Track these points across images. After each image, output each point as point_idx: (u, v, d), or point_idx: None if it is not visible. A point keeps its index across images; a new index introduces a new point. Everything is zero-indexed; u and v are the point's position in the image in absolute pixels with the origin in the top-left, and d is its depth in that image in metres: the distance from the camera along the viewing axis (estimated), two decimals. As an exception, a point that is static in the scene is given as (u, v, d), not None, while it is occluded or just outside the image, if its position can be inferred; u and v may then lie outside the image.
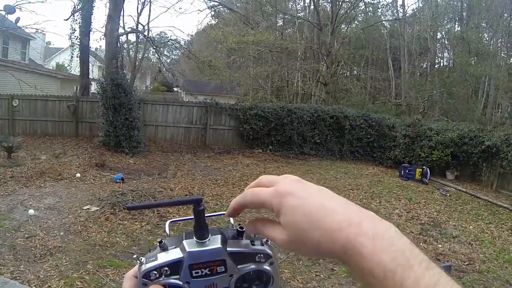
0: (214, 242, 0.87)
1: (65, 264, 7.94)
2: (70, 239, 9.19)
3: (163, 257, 0.87)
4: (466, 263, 9.46)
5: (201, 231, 0.88)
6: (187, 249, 0.86)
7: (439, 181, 18.81)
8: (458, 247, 10.51)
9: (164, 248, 0.89)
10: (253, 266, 0.89)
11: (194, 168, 17.79)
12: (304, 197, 0.78)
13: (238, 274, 0.89)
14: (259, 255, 0.90)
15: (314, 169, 19.31)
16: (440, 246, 10.50)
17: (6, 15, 29.78)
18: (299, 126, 22.19)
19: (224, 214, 1.01)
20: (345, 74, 45.37)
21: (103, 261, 8.16)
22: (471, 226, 12.41)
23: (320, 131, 22.41)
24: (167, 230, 1.09)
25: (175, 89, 58.35)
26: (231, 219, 1.04)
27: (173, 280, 0.86)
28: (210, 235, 0.89)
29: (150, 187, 13.36)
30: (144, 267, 0.86)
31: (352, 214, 0.75)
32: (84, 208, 11.29)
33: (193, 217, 0.92)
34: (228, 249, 0.87)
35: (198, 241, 0.87)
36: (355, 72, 45.79)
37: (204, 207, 0.89)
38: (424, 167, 18.72)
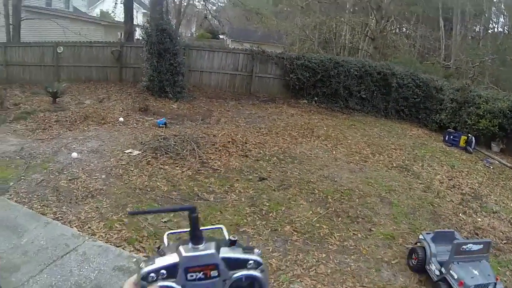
0: (208, 248, 0.97)
1: (105, 206, 8.10)
2: (111, 182, 9.33)
3: (161, 261, 0.96)
4: (504, 241, 9.24)
5: (196, 236, 0.98)
6: (183, 253, 0.95)
7: (483, 151, 18.22)
8: (498, 223, 10.25)
9: (162, 254, 0.98)
10: (244, 273, 0.97)
11: (238, 115, 17.71)
12: None
13: (231, 280, 0.96)
14: (250, 262, 0.98)
15: (358, 124, 18.96)
16: (479, 220, 10.26)
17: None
18: (345, 80, 21.72)
19: (220, 227, 1.17)
20: (394, 31, 44.32)
21: (143, 204, 8.32)
22: (512, 204, 12.07)
23: (366, 87, 21.91)
24: (165, 240, 1.23)
25: (220, 36, 58.08)
26: (224, 231, 1.18)
27: (169, 283, 0.93)
28: (205, 242, 0.98)
29: (193, 132, 13.35)
30: (143, 270, 0.95)
31: None
32: (126, 151, 11.41)
33: (189, 229, 1.01)
34: (221, 255, 0.96)
35: (194, 246, 0.97)
36: (405, 29, 44.82)
37: (197, 214, 1.00)
38: (469, 135, 18.05)
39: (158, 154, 11.05)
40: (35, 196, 8.33)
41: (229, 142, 12.64)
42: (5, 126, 14.14)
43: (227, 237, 1.06)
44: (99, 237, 6.99)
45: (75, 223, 7.34)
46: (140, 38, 22.86)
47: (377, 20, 32.83)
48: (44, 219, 7.37)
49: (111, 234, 7.13)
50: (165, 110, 17.63)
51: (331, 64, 21.68)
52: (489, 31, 46.00)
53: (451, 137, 18.27)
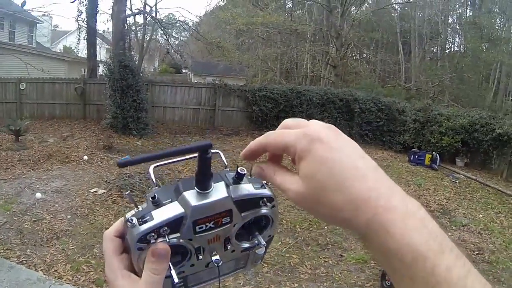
0: (219, 191, 0.79)
1: (71, 248, 7.98)
2: (77, 222, 9.23)
3: (161, 215, 0.75)
4: (475, 252, 9.41)
5: (206, 181, 0.77)
6: (192, 203, 0.76)
7: (448, 167, 18.61)
8: (468, 236, 10.45)
9: (158, 204, 0.77)
10: (255, 212, 0.83)
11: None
12: (336, 148, 0.67)
13: (241, 223, 0.83)
14: (263, 199, 0.83)
15: (323, 152, 19.00)
16: (449, 234, 10.21)
17: (12, -1, 29.76)
18: (308, 109, 22.03)
19: (217, 152, 0.91)
20: (355, 57, 45.10)
21: (110, 244, 8.10)
22: (480, 215, 12.30)
23: (329, 114, 22.17)
24: (152, 177, 0.90)
25: (183, 70, 58.18)
26: (222, 156, 0.93)
27: (176, 240, 0.77)
28: (212, 183, 0.79)
29: (158, 169, 13.17)
30: (139, 230, 0.74)
31: (382, 184, 0.66)
32: (91, 191, 11.30)
33: (179, 159, 0.89)
34: (233, 196, 0.79)
35: (201, 192, 0.77)
36: (365, 55, 45.56)
37: (211, 154, 0.77)
38: (434, 153, 18.55)
39: (124, 192, 10.85)
40: (-2, 239, 8.20)
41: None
42: (-35, 165, 13.91)
43: (226, 164, 0.94)
44: (66, 280, 6.85)
45: (40, 267, 7.20)
46: (103, 74, 22.85)
47: (337, 47, 33.50)
48: (7, 263, 7.22)
49: (79, 277, 7.00)
50: (129, 147, 17.56)
51: (293, 94, 22.03)
52: (446, 51, 47.68)
53: (416, 156, 18.71)
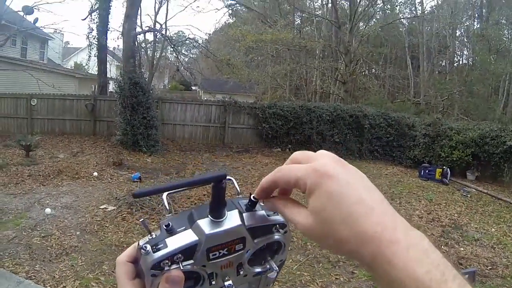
0: (233, 219, 0.80)
1: (80, 264, 7.90)
2: (86, 238, 9.17)
3: (175, 243, 0.76)
4: (489, 267, 9.24)
5: (219, 209, 0.79)
6: (205, 232, 0.77)
7: (459, 181, 18.47)
8: (480, 250, 10.26)
9: (171, 232, 0.78)
10: (268, 238, 0.84)
11: (212, 167, 17.69)
12: (344, 183, 0.69)
13: (254, 249, 0.84)
14: (275, 226, 0.84)
15: (333, 168, 18.97)
16: (462, 249, 10.28)
17: (24, 16, 30.23)
18: (318, 125, 22.02)
19: (230, 179, 0.88)
20: (364, 73, 45.17)
21: (119, 261, 8.05)
22: (493, 229, 12.13)
23: (339, 130, 22.19)
24: (166, 204, 0.91)
25: (193, 87, 58.45)
26: (235, 183, 0.93)
27: (190, 267, 0.77)
28: (226, 210, 0.80)
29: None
30: (153, 257, 0.75)
31: (387, 217, 0.68)
32: (101, 207, 11.27)
33: (189, 187, 0.86)
34: (246, 224, 0.81)
35: (215, 220, 0.78)
36: (374, 70, 45.65)
37: (226, 184, 0.79)
38: (444, 167, 18.38)
39: (134, 210, 10.91)
40: (7, 254, 8.15)
41: (204, 195, 12.55)
42: (-25, 179, 14.00)
43: (239, 191, 0.94)
44: (74, 296, 6.84)
45: (49, 283, 7.14)
46: (114, 91, 22.98)
47: (346, 63, 33.51)
48: (16, 278, 7.20)
49: (87, 293, 6.96)
50: (139, 164, 17.57)
51: (303, 110, 22.00)
52: (455, 65, 47.70)
53: (426, 171, 18.52)
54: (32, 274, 7.39)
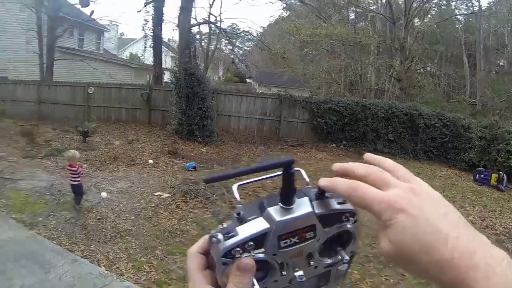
0: (303, 207, 0.78)
1: (134, 247, 8.04)
2: (141, 223, 9.32)
3: (246, 231, 0.76)
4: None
5: (289, 196, 0.78)
6: (276, 219, 0.76)
7: (516, 189, 17.87)
8: (537, 264, 9.95)
9: (242, 220, 0.78)
10: (338, 227, 0.82)
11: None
12: (417, 216, 0.70)
13: (324, 238, 0.81)
14: (345, 214, 0.82)
15: (387, 167, 18.74)
16: None
17: (81, 8, 30.97)
18: (373, 122, 21.77)
19: (298, 170, 0.88)
20: (419, 70, 44.38)
21: (172, 247, 8.20)
22: (552, 243, 11.72)
23: (394, 128, 21.89)
24: (236, 195, 0.88)
25: (247, 80, 58.58)
26: (304, 174, 0.91)
27: (261, 255, 0.76)
28: (296, 198, 0.79)
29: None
30: (224, 245, 0.74)
31: (464, 242, 0.67)
32: (156, 194, 11.43)
33: (262, 178, 0.89)
34: (316, 211, 0.79)
35: (286, 207, 0.77)
36: (429, 68, 44.86)
37: (294, 170, 0.79)
38: (500, 172, 17.69)
39: (188, 198, 11.03)
40: (64, 232, 8.40)
41: (258, 187, 12.61)
42: (36, 162, 14.52)
43: (308, 181, 0.91)
44: (127, 278, 6.91)
45: (103, 262, 7.30)
46: (169, 81, 23.21)
47: (401, 60, 33.01)
48: (72, 256, 7.39)
49: (140, 276, 7.04)
50: (194, 154, 17.73)
51: (359, 107, 21.82)
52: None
53: (482, 175, 17.94)
54: (87, 254, 7.57)
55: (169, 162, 15.61)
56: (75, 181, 9.94)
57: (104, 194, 10.90)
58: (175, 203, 10.78)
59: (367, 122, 21.75)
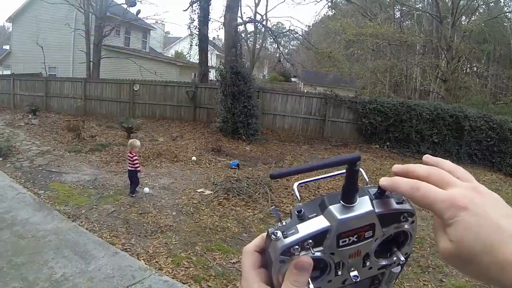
0: (364, 205, 0.78)
1: (174, 243, 8.11)
2: (182, 219, 9.40)
3: (306, 228, 0.75)
4: None
5: (352, 194, 0.77)
6: (338, 217, 0.75)
7: None
8: None
9: (302, 218, 0.77)
10: (396, 227, 0.81)
11: (310, 159, 17.50)
12: (480, 214, 0.69)
13: (382, 238, 0.80)
14: (404, 214, 0.80)
15: (430, 170, 18.51)
16: None
17: (128, 8, 31.45)
18: (417, 124, 21.45)
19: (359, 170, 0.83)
20: (465, 71, 43.60)
21: (212, 244, 8.22)
22: None
23: (438, 130, 21.51)
24: (297, 193, 0.87)
25: (292, 79, 58.58)
26: (364, 174, 0.87)
27: (317, 253, 0.75)
28: (357, 196, 0.78)
29: (266, 175, 13.13)
30: (283, 242, 0.74)
31: None
32: (198, 191, 11.50)
33: (322, 176, 0.89)
34: (376, 210, 0.78)
35: (347, 205, 0.77)
36: (476, 68, 44.05)
37: (359, 167, 0.78)
38: (547, 178, 17.37)
39: (230, 195, 11.04)
40: (105, 225, 8.56)
41: (301, 186, 12.53)
42: (81, 156, 14.91)
43: (367, 181, 0.89)
44: (165, 272, 6.97)
45: (142, 256, 7.41)
46: (215, 79, 23.36)
47: (447, 60, 32.50)
48: (112, 249, 7.51)
49: (178, 271, 7.10)
50: (238, 152, 17.80)
51: (403, 108, 21.51)
52: None
53: (528, 181, 17.51)
54: (127, 247, 7.69)
55: (213, 160, 15.68)
56: (132, 167, 10.41)
57: (146, 189, 11.03)
58: (217, 200, 10.81)
59: (411, 124, 21.44)
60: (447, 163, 0.82)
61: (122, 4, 32.04)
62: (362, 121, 21.95)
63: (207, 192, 11.40)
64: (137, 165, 10.48)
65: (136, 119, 19.82)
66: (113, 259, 7.15)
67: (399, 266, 0.86)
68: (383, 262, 0.84)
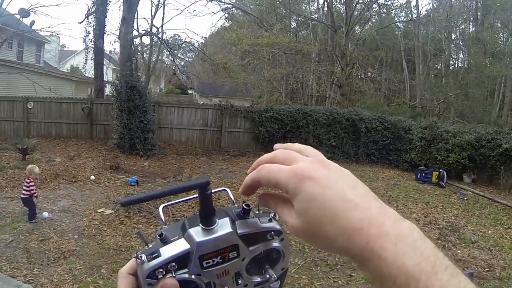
0: (224, 227, 0.80)
1: (79, 268, 7.91)
2: (84, 242, 9.18)
3: (168, 252, 0.77)
4: (486, 269, 9.26)
5: (208, 217, 0.79)
6: (196, 239, 0.77)
7: (456, 184, 18.55)
8: (478, 252, 10.29)
9: (165, 241, 0.79)
10: (264, 246, 0.83)
11: (209, 171, 17.71)
12: (325, 184, 0.69)
13: (250, 257, 0.82)
14: (270, 233, 0.83)
15: (329, 172, 18.99)
16: (459, 251, 10.31)
17: (21, 19, 30.33)
18: (314, 129, 22.05)
19: (225, 189, 0.95)
20: (360, 76, 45.25)
21: (118, 265, 8.03)
22: (490, 231, 12.16)
23: (335, 134, 22.22)
24: (161, 216, 0.95)
25: (189, 91, 58.56)
26: (230, 193, 0.96)
27: (182, 275, 0.77)
28: (217, 218, 0.80)
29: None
30: (148, 265, 0.76)
31: (373, 211, 0.67)
32: (99, 211, 11.29)
33: (185, 199, 0.93)
34: (238, 231, 0.80)
35: (206, 228, 0.79)
36: (370, 74, 45.77)
37: (211, 190, 0.80)
38: (441, 170, 18.46)
39: (131, 213, 10.91)
40: (4, 257, 8.17)
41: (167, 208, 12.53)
42: (-27, 181, 14.06)
43: (233, 201, 0.94)
44: (73, 300, 6.83)
45: (47, 286, 7.16)
46: (110, 94, 23.02)
47: (342, 67, 33.69)
48: (14, 283, 7.19)
49: (86, 297, 6.95)
50: (136, 168, 17.58)
51: (300, 114, 22.04)
52: (450, 68, 48.08)
53: (423, 174, 18.65)
54: (30, 278, 7.40)
55: (111, 178, 15.43)
56: (28, 193, 10.03)
57: (45, 213, 10.66)
58: (119, 219, 10.67)
59: (308, 129, 22.01)
60: (296, 144, 0.84)
61: (15, 14, 30.83)
62: (259, 130, 22.35)
63: (108, 211, 11.21)
64: (33, 191, 10.14)
65: (31, 139, 19.16)
66: (16, 293, 6.88)
67: (278, 282, 0.88)
68: (258, 279, 0.86)
